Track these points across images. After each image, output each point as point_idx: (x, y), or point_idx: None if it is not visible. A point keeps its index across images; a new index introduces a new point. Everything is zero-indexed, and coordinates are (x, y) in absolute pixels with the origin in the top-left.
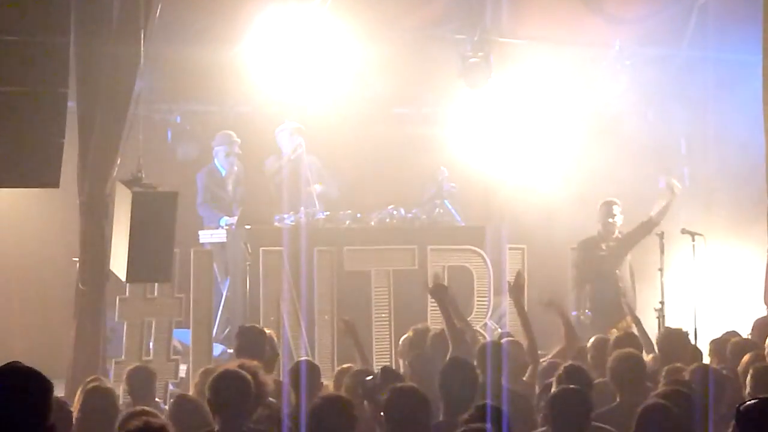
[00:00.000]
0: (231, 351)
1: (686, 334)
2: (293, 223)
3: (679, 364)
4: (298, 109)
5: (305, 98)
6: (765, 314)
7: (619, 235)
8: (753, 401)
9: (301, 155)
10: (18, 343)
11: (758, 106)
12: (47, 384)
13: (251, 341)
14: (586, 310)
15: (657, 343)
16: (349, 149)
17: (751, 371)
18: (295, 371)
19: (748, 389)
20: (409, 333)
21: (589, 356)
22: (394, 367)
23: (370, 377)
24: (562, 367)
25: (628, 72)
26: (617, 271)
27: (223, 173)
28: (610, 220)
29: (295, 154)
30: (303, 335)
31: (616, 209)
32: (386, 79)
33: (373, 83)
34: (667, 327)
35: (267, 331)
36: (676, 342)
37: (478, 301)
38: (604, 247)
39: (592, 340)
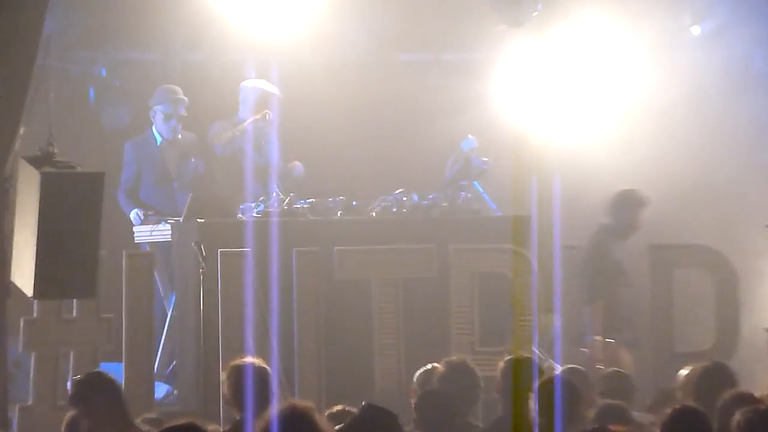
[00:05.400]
0: (177, 392)
1: None
2: (262, 215)
3: None
4: (269, 57)
5: (279, 42)
6: None
7: None
8: None
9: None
10: None
11: None
12: None
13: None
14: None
15: None
16: (341, 111)
17: None
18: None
19: None
20: (438, 366)
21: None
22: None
23: None
24: None
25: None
26: None
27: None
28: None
29: (262, 121)
30: (275, 369)
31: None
32: (390, 14)
33: (373, 19)
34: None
35: (257, 363)
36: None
37: (520, 321)
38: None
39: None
